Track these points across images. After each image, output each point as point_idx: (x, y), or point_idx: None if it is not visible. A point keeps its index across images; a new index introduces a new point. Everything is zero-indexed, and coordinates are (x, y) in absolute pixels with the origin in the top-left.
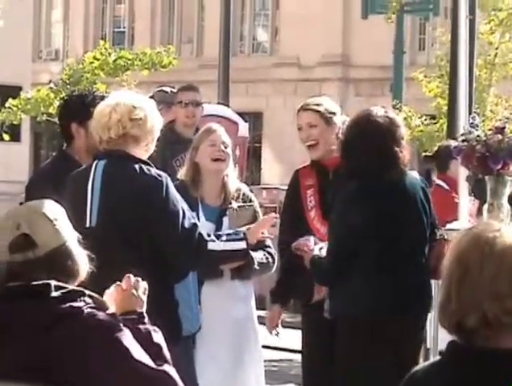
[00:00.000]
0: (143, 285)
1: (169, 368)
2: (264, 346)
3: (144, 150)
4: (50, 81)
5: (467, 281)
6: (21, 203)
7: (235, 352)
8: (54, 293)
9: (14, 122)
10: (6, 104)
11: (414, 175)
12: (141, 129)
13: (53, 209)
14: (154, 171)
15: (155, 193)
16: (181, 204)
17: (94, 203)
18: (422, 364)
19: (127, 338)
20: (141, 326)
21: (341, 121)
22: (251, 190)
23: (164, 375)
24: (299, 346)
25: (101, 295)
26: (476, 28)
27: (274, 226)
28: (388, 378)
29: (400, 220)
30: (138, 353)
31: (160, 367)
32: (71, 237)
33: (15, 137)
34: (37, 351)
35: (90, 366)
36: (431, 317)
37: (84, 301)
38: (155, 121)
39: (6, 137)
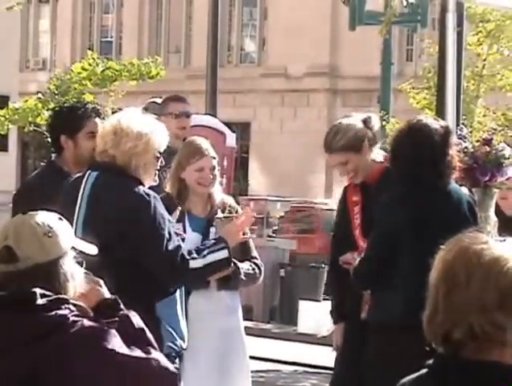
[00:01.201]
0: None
1: (158, 354)
2: (251, 357)
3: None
4: (38, 92)
5: (454, 293)
6: (23, 213)
7: (222, 363)
8: (39, 301)
9: (2, 132)
10: None
11: (462, 189)
12: (118, 150)
13: (48, 223)
14: (142, 190)
15: (142, 213)
16: (168, 224)
17: (80, 215)
18: (409, 377)
19: (115, 341)
20: (119, 313)
21: (375, 121)
22: (237, 202)
23: (155, 363)
24: (285, 357)
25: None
26: (464, 40)
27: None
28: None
29: (433, 225)
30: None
31: (150, 356)
32: (64, 253)
33: (2, 147)
34: (26, 360)
35: (79, 373)
36: None
37: (68, 308)
38: (139, 149)
39: None
